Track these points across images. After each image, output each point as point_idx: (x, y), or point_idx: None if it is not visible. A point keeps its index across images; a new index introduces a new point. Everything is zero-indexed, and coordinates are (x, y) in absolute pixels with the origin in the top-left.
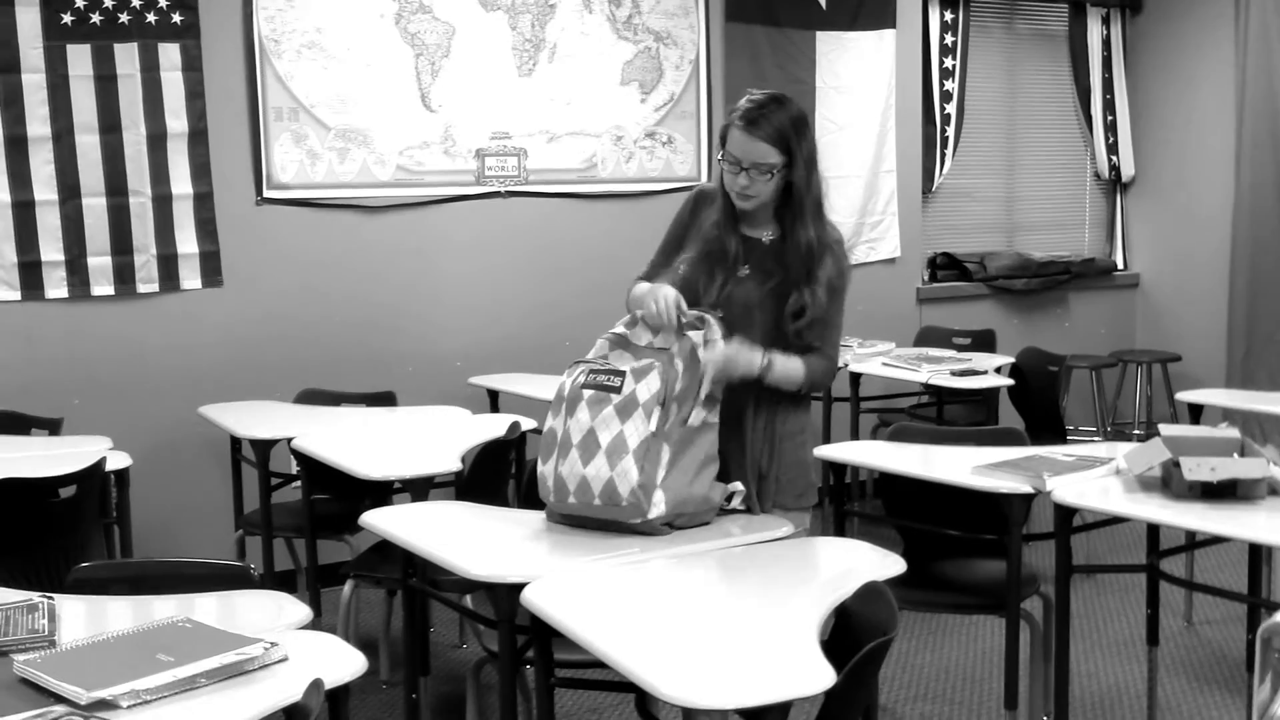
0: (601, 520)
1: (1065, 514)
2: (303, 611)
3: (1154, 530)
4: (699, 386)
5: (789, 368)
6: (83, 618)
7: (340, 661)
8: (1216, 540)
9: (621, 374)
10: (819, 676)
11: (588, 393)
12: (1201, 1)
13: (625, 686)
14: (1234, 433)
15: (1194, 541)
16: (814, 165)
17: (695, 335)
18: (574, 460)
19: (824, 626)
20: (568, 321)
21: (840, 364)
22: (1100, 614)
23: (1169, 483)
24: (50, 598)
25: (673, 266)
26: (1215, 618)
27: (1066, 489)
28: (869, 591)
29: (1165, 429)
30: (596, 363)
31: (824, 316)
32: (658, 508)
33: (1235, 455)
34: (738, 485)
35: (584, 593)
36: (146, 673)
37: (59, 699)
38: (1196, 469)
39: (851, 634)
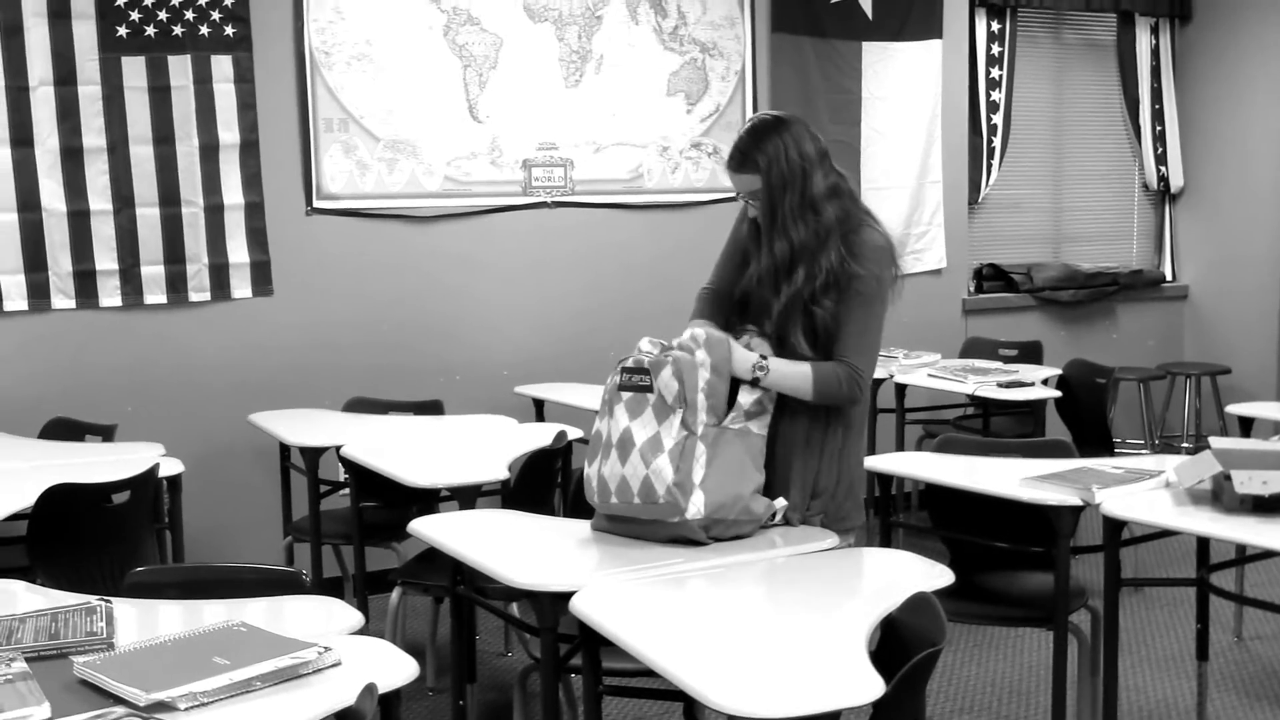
0: (643, 523)
1: (1114, 527)
2: (354, 617)
3: (1204, 544)
4: (728, 390)
5: (789, 372)
6: (139, 621)
7: (392, 667)
8: (1268, 554)
9: (647, 371)
10: (868, 686)
11: (625, 394)
12: (1252, 11)
13: (671, 695)
14: None
15: (1244, 556)
16: (792, 180)
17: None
18: (613, 461)
19: (871, 637)
20: (613, 331)
21: (885, 375)
22: (1148, 628)
23: (1219, 496)
24: (108, 601)
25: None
26: (1266, 633)
27: (1116, 502)
28: (917, 602)
29: (1216, 442)
30: (630, 360)
31: (844, 321)
32: (696, 507)
33: None
34: (781, 501)
35: (631, 601)
36: (203, 675)
37: (118, 700)
38: (1248, 482)
39: (899, 645)
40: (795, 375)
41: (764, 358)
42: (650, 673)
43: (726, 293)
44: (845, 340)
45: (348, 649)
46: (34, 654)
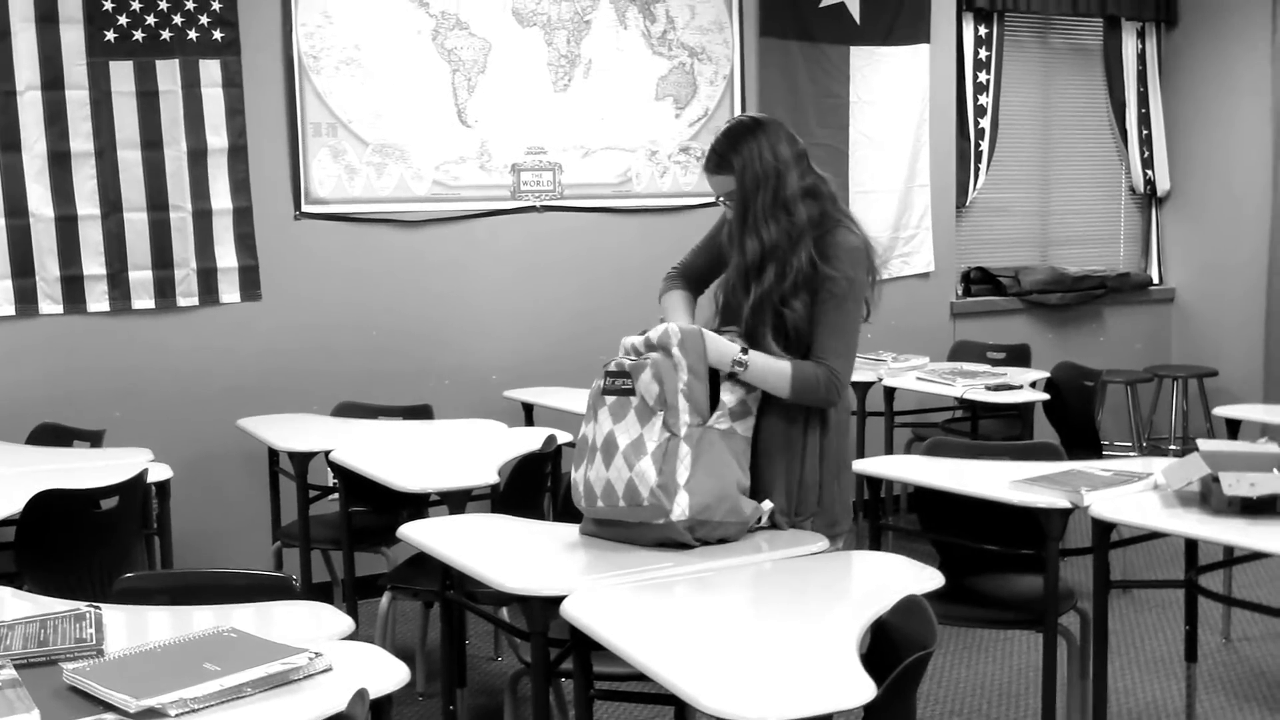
0: (630, 526)
1: (1103, 529)
2: (344, 622)
3: (1192, 546)
4: (709, 389)
5: (769, 368)
6: (128, 627)
7: (383, 672)
8: (1256, 556)
9: (629, 375)
10: (860, 689)
11: (609, 398)
12: (1237, 15)
13: (662, 699)
14: (1274, 448)
15: (1232, 557)
16: (765, 180)
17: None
18: (599, 465)
19: (861, 641)
20: (602, 335)
21: (874, 378)
22: (1136, 630)
23: (1208, 498)
24: (97, 607)
25: (713, 295)
26: (1254, 634)
27: (1105, 504)
28: (908, 605)
29: (1204, 444)
30: (612, 364)
31: (819, 323)
32: (680, 508)
33: (1275, 470)
34: (768, 504)
35: (622, 606)
36: (194, 682)
37: (108, 707)
38: (1236, 484)
39: (890, 648)
40: (775, 372)
41: (745, 351)
42: (640, 677)
43: (693, 277)
44: (821, 342)
45: (339, 654)
46: (23, 661)
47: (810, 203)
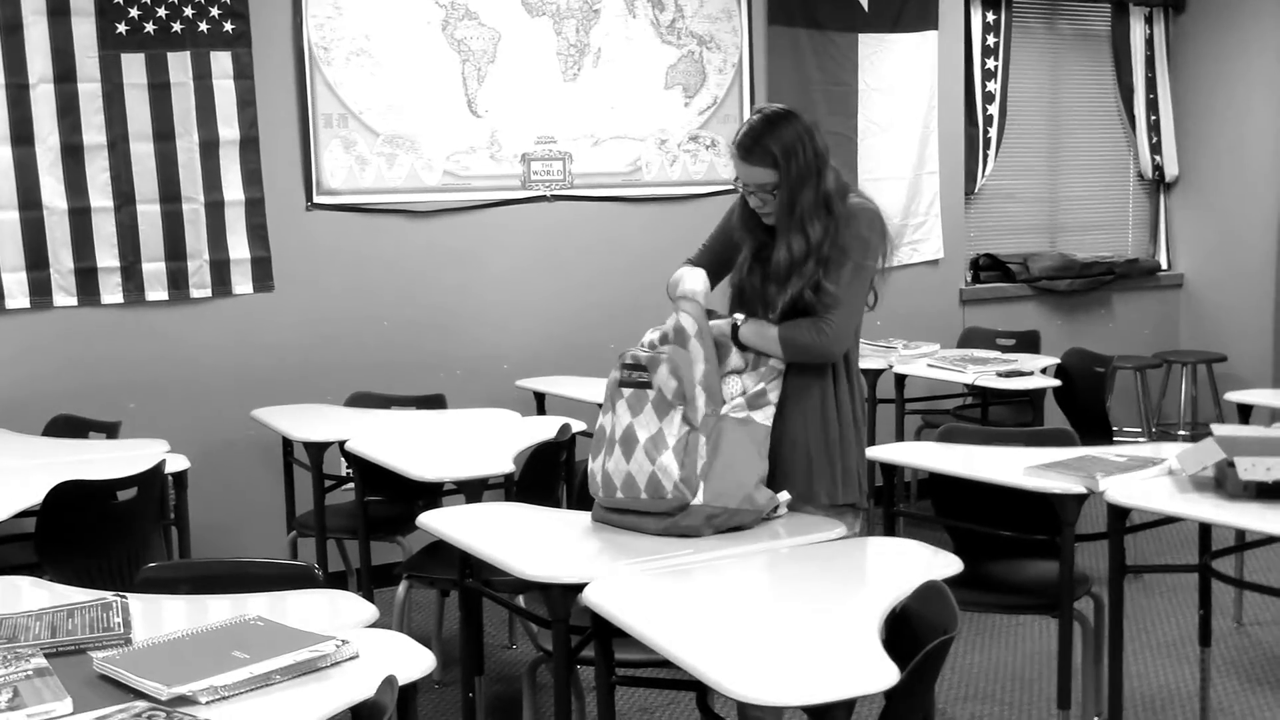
0: (644, 514)
1: (1118, 514)
2: (368, 610)
3: (1205, 530)
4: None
5: (760, 329)
6: (154, 616)
7: (409, 659)
8: (1269, 540)
9: (646, 368)
10: (883, 674)
11: (626, 390)
12: (1244, 1)
13: (682, 684)
14: None
15: (1244, 542)
16: (809, 177)
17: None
18: (618, 457)
19: (880, 627)
20: (613, 324)
21: (885, 365)
22: (1149, 614)
23: (1223, 483)
24: (123, 596)
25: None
26: (1266, 619)
27: (1120, 489)
28: (928, 590)
29: (1218, 429)
30: (628, 357)
31: (830, 276)
32: (700, 499)
33: None
34: (785, 495)
35: (643, 592)
36: (223, 669)
37: (139, 695)
38: (1251, 469)
39: (910, 633)
40: (765, 330)
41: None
42: (659, 663)
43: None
44: (824, 299)
45: (364, 642)
46: (52, 650)
47: (840, 198)
